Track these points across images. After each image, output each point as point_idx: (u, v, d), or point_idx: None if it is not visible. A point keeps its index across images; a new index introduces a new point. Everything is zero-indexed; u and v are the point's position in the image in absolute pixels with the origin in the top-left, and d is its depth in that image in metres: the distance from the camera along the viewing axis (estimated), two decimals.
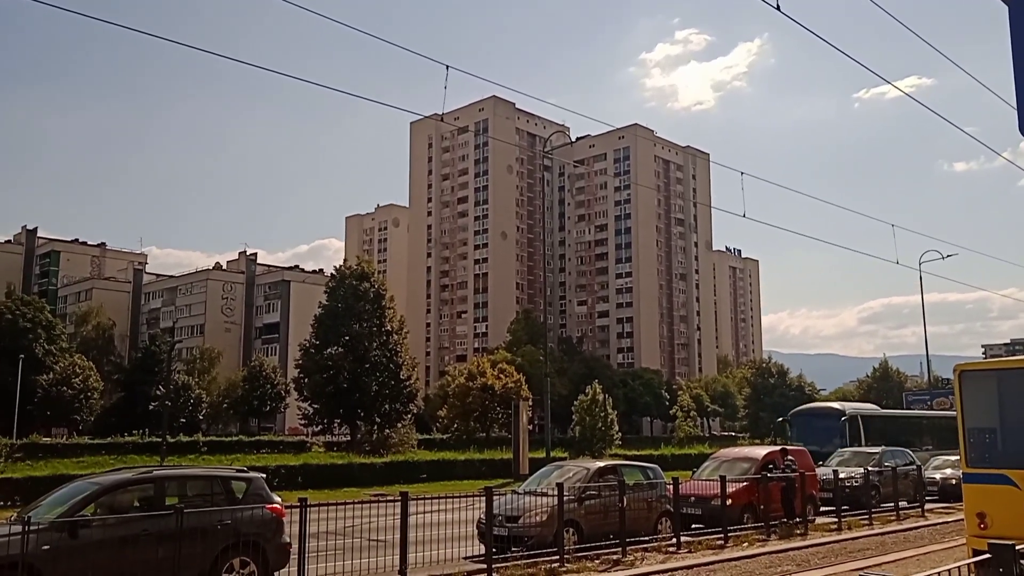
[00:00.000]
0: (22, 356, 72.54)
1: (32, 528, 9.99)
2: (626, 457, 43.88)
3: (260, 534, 12.09)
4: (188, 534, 11.15)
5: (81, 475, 27.27)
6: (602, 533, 15.22)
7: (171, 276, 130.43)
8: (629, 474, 17.77)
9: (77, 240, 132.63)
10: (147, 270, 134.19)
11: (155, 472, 12.45)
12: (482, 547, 13.99)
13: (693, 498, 18.57)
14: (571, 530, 15.12)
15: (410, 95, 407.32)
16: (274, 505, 12.62)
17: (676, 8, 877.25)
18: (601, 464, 18.04)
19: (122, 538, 10.95)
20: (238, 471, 13.39)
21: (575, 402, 60.27)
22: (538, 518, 14.95)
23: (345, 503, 13.42)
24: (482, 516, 14.64)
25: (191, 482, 12.87)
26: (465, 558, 14.18)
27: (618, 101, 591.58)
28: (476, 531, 14.81)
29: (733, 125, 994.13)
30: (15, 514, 11.86)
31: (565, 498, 15.07)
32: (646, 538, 16.50)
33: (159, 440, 47.54)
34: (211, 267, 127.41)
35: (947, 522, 21.23)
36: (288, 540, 12.43)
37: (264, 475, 13.37)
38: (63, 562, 10.20)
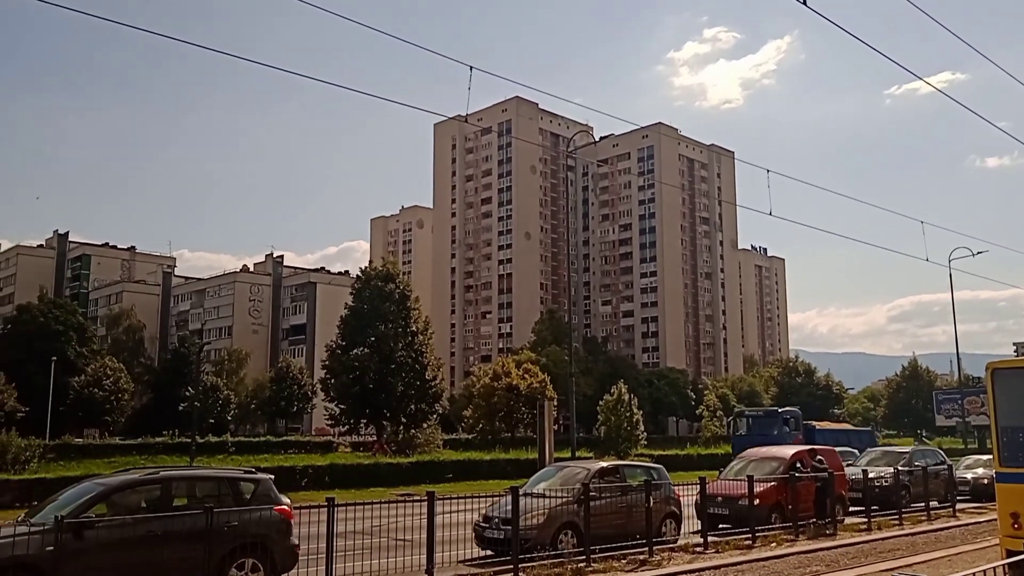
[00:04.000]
0: (54, 358, 73.69)
1: (35, 529, 9.94)
2: (651, 457, 43.80)
3: (267, 536, 11.95)
4: (195, 535, 11.00)
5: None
6: (603, 535, 14.70)
7: (199, 279, 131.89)
8: (632, 475, 17.47)
9: (108, 244, 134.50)
10: (178, 273, 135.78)
11: (162, 473, 12.39)
12: (479, 550, 14.62)
13: (720, 498, 18.46)
14: (570, 532, 14.81)
15: (434, 96, 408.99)
16: (282, 507, 12.40)
17: (704, 6, 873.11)
18: (602, 464, 17.59)
19: (128, 539, 10.83)
20: (246, 472, 13.20)
21: (600, 402, 60.19)
22: (535, 520, 14.51)
23: (372, 503, 13.50)
24: (479, 519, 14.91)
25: (199, 483, 12.64)
26: (488, 559, 14.24)
27: (646, 100, 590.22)
28: (473, 533, 14.78)
29: (762, 123, 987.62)
30: (22, 515, 11.93)
31: (564, 500, 14.95)
32: (643, 541, 15.43)
33: (188, 441, 48.16)
34: (239, 269, 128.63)
35: (979, 522, 20.93)
36: (296, 542, 12.29)
37: (272, 476, 13.11)
38: (68, 563, 10.06)
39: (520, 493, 15.04)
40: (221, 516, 11.44)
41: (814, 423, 42.60)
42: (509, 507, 14.24)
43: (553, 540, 14.44)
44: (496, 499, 16.09)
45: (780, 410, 39.30)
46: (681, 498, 17.81)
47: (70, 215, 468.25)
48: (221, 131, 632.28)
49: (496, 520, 14.49)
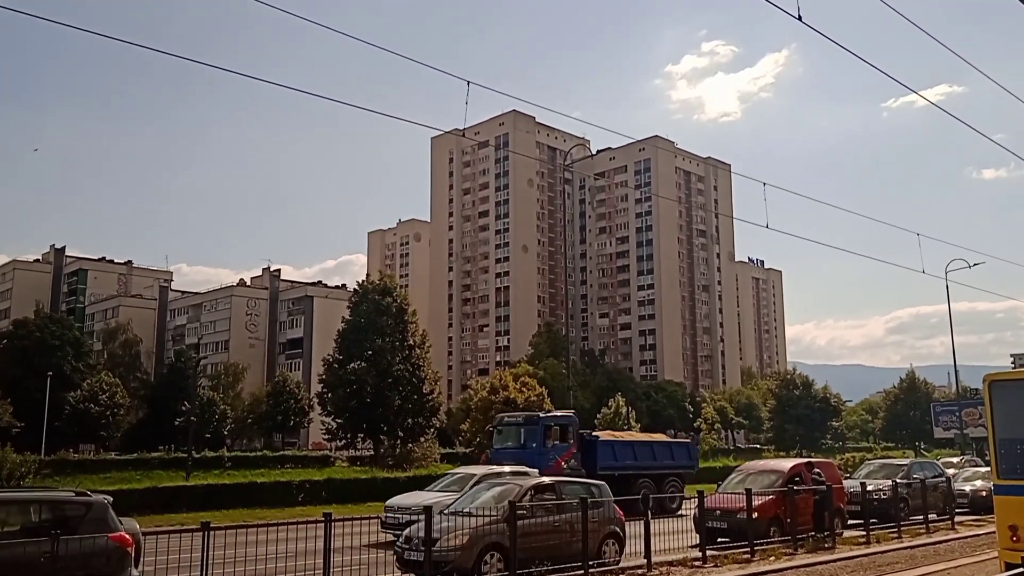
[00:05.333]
0: (50, 373, 73.47)
1: None
2: None
3: (98, 569, 10.44)
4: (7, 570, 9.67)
5: (109, 491, 27.57)
6: (534, 558, 13.75)
7: (196, 293, 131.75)
8: (571, 492, 16.31)
9: (104, 258, 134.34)
10: (175, 287, 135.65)
11: None
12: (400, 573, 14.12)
13: (719, 511, 18.41)
14: (496, 555, 13.79)
15: (431, 111, 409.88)
16: (118, 534, 10.87)
17: (702, 19, 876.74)
18: (536, 481, 16.56)
19: None
20: (77, 494, 11.55)
21: (598, 415, 60.19)
22: (457, 542, 13.49)
23: (369, 518, 13.48)
24: (400, 540, 14.28)
25: (8, 508, 10.92)
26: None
27: (643, 114, 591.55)
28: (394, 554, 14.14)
29: (760, 136, 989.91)
30: None
31: (490, 519, 14.01)
32: (578, 564, 14.52)
33: (185, 456, 47.97)
34: (236, 283, 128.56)
35: (978, 535, 20.88)
36: (136, 574, 11.00)
37: (110, 499, 11.44)
38: None
39: (447, 512, 14.61)
40: (31, 547, 9.87)
41: (599, 433, 32.94)
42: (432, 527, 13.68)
43: (477, 563, 13.53)
44: (421, 519, 15.40)
45: (542, 415, 29.78)
46: (624, 519, 16.47)
47: (67, 230, 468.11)
48: (219, 146, 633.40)
49: (416, 541, 13.60)
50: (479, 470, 19.67)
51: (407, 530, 14.39)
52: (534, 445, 27.44)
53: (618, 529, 16.12)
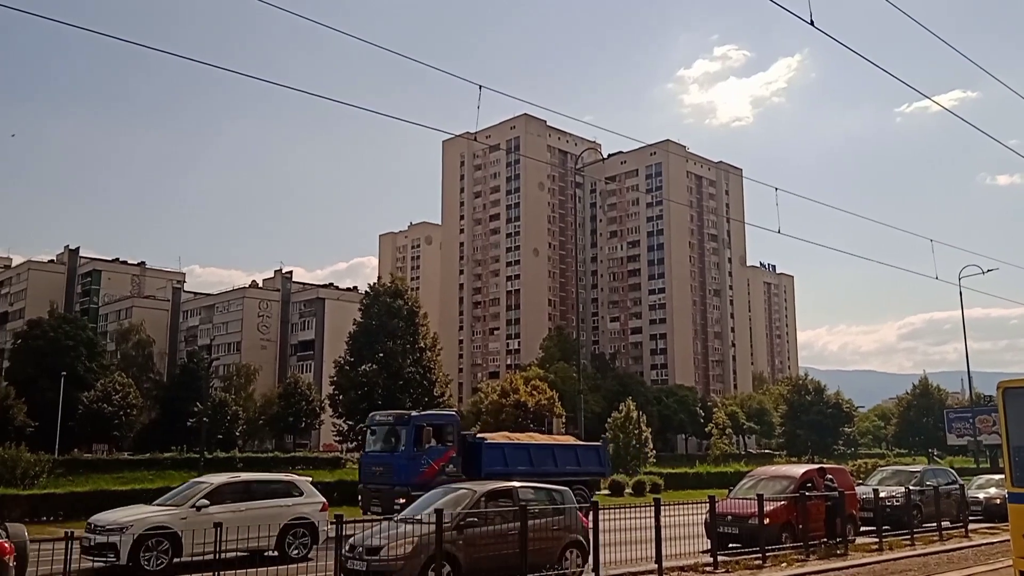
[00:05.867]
0: (64, 373, 74.00)
1: None
2: (660, 475, 43.51)
3: None
4: None
5: (122, 491, 27.77)
6: (486, 568, 13.26)
7: (208, 294, 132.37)
8: (531, 498, 15.34)
9: (118, 259, 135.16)
10: (188, 288, 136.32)
11: None
12: None
13: (730, 517, 18.35)
14: (445, 565, 13.12)
15: (443, 114, 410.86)
16: None
17: (715, 24, 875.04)
18: (491, 486, 15.49)
19: None
20: None
21: (609, 419, 60.10)
22: (401, 550, 12.78)
23: (374, 520, 13.49)
24: (346, 547, 13.42)
25: None
26: None
27: (655, 118, 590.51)
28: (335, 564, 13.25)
29: (772, 141, 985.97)
30: None
31: (445, 524, 12.96)
32: (551, 573, 14.13)
33: (197, 456, 48.21)
34: (248, 285, 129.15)
35: (992, 543, 20.71)
36: None
37: None
38: None
39: (397, 518, 14.02)
40: None
41: (487, 435, 29.77)
42: (377, 535, 13.24)
43: (422, 574, 12.88)
44: (371, 526, 14.28)
45: (414, 414, 26.46)
46: (589, 526, 15.16)
47: (81, 231, 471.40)
48: (231, 148, 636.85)
49: (360, 550, 13.02)
50: (217, 479, 18.10)
51: (352, 537, 13.54)
52: (403, 448, 24.45)
53: (581, 538, 15.11)
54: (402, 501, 21.63)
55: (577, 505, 15.89)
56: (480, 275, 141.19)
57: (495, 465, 25.47)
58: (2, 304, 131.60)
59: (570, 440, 31.26)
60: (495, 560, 13.34)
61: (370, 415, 28.36)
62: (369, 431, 26.61)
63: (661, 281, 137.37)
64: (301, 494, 18.23)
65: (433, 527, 12.79)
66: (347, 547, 13.31)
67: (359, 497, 25.19)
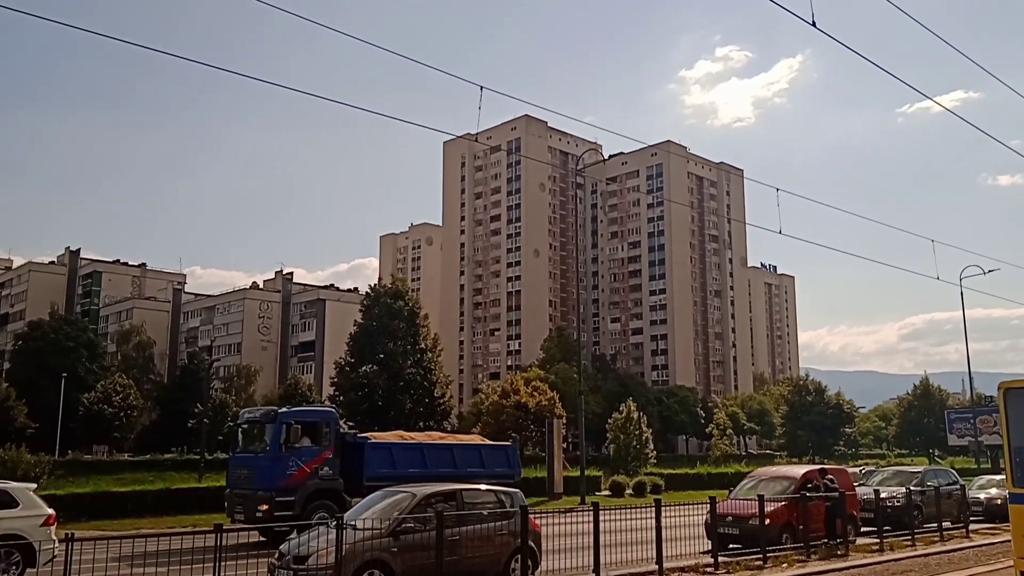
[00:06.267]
0: (65, 375, 74.02)
1: None
2: (661, 476, 43.48)
3: None
4: None
5: (122, 492, 27.79)
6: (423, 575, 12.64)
7: (209, 295, 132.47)
8: (478, 500, 14.76)
9: (119, 261, 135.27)
10: (189, 290, 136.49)
11: None
12: None
13: (730, 517, 18.34)
14: (376, 573, 12.47)
15: (444, 115, 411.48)
16: None
17: (717, 25, 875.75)
18: (433, 489, 14.59)
19: None
20: None
21: (609, 420, 60.06)
22: (330, 559, 12.01)
23: (381, 520, 13.46)
24: (274, 556, 12.91)
25: None
26: None
27: (657, 119, 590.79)
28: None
29: (774, 142, 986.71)
30: None
31: (371, 532, 12.56)
32: None
33: (197, 457, 48.25)
34: (248, 286, 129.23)
35: (993, 543, 20.70)
36: None
37: None
38: None
39: (334, 524, 12.83)
40: None
41: (374, 435, 27.01)
42: (306, 543, 12.52)
43: None
44: (303, 534, 13.39)
45: (282, 410, 23.47)
46: (540, 531, 14.97)
47: (82, 232, 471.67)
48: (232, 149, 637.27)
49: (288, 558, 12.41)
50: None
51: (281, 546, 13.12)
52: (266, 449, 21.80)
53: (531, 543, 14.35)
54: (264, 508, 20.44)
55: (528, 508, 14.84)
56: (481, 276, 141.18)
57: (381, 468, 23.09)
58: (3, 305, 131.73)
59: (476, 439, 28.79)
60: (434, 568, 12.70)
61: (241, 411, 26.09)
62: (239, 430, 23.74)
63: (662, 282, 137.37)
64: (16, 505, 15.31)
65: (366, 533, 12.30)
66: (276, 556, 12.82)
67: (225, 503, 22.85)
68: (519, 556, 13.98)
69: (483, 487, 16.56)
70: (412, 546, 12.67)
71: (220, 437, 74.77)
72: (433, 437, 27.89)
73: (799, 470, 21.95)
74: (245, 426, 23.51)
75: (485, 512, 14.20)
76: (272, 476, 21.33)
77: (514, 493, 15.32)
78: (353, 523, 12.82)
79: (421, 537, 12.86)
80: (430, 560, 12.46)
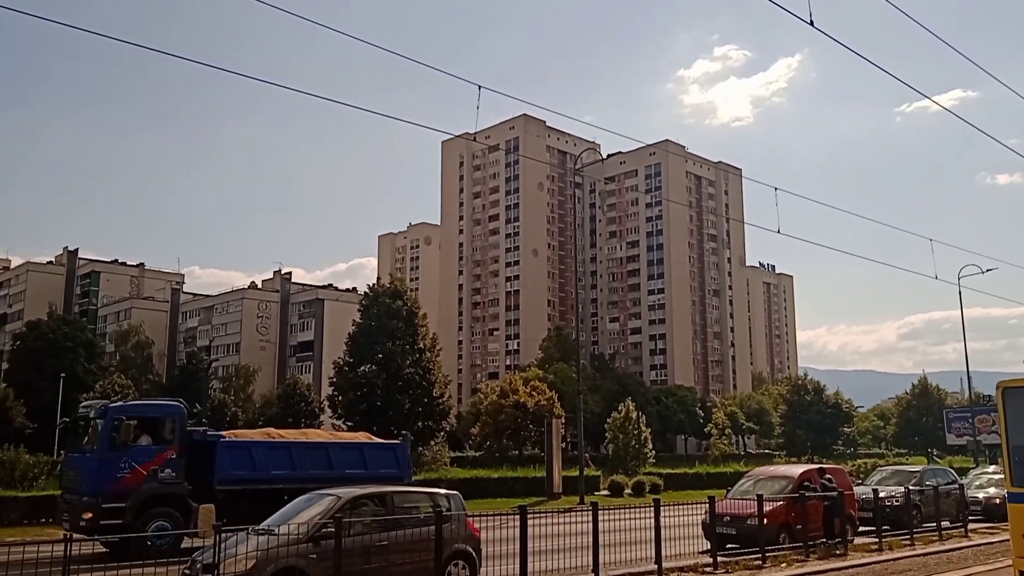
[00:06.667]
0: (63, 375, 73.93)
1: None
2: (660, 476, 43.48)
3: None
4: None
5: None
6: None
7: (207, 295, 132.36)
8: (411, 503, 14.09)
9: (117, 261, 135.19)
10: (188, 289, 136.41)
11: None
12: None
13: (728, 517, 18.32)
14: None
15: (442, 114, 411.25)
16: None
17: (715, 24, 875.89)
18: (360, 491, 13.90)
19: None
20: None
21: (608, 420, 60.15)
22: (241, 566, 11.39)
23: (380, 519, 13.45)
24: (186, 565, 12.17)
25: None
26: None
27: (655, 118, 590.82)
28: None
29: (773, 141, 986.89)
30: None
31: (291, 537, 11.85)
32: None
33: None
34: (247, 286, 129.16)
35: (991, 543, 20.72)
36: None
37: None
38: None
39: (258, 529, 12.55)
40: None
41: (233, 432, 25.06)
42: (225, 550, 11.60)
43: None
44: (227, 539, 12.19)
45: (112, 404, 20.41)
46: (480, 534, 14.30)
47: (80, 232, 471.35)
48: (230, 149, 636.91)
49: (199, 566, 11.73)
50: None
51: (195, 553, 12.48)
52: (95, 447, 19.26)
53: (469, 548, 13.71)
54: (88, 516, 18.04)
55: (466, 511, 14.17)
56: (479, 275, 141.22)
57: (236, 470, 20.43)
58: (1, 305, 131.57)
59: (360, 438, 26.05)
60: (364, 574, 12.07)
61: (81, 406, 22.70)
62: (78, 425, 21.01)
63: (660, 281, 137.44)
64: None
65: (282, 539, 11.62)
66: (188, 564, 12.16)
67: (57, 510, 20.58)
68: (457, 561, 13.41)
69: (418, 490, 16.13)
70: (332, 552, 11.80)
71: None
72: (309, 435, 24.81)
73: (796, 470, 21.97)
74: (80, 422, 20.73)
75: (421, 516, 13.45)
76: (98, 479, 18.70)
77: (452, 496, 14.65)
78: (271, 528, 12.17)
79: (345, 542, 12.04)
80: (355, 567, 11.96)
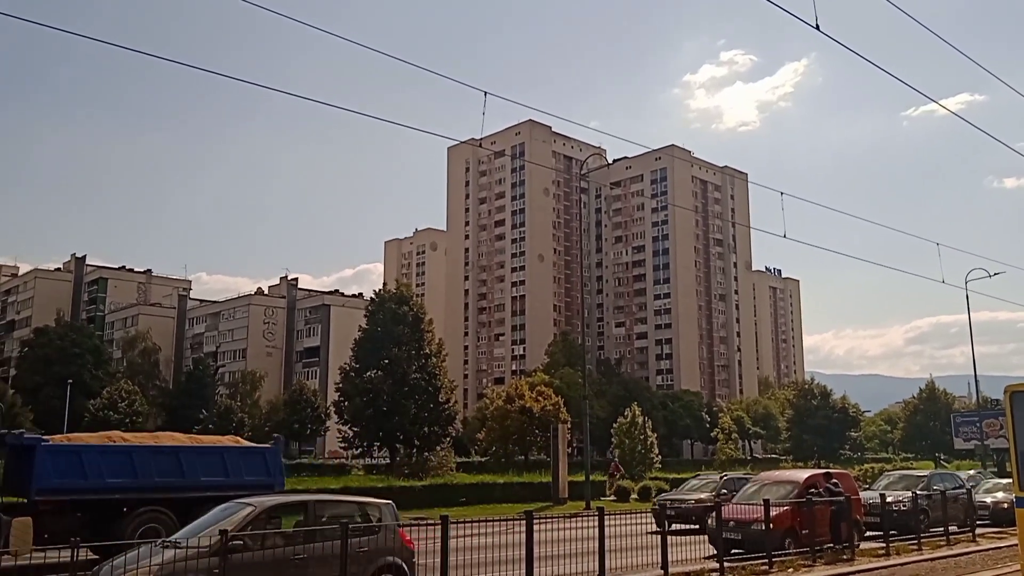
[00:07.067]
0: (70, 381, 74.24)
1: None
2: (666, 481, 43.35)
3: None
4: None
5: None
6: None
7: (214, 301, 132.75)
8: (335, 513, 13.12)
9: (124, 267, 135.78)
10: (195, 296, 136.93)
11: None
12: None
13: (732, 522, 18.23)
14: None
15: (448, 120, 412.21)
16: None
17: (721, 29, 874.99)
18: (277, 501, 13.23)
19: None
20: None
21: (614, 425, 60.09)
22: None
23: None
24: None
25: None
26: None
27: (661, 123, 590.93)
28: None
29: (779, 146, 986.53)
30: None
31: (198, 551, 10.98)
32: None
33: None
34: (254, 292, 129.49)
35: (999, 547, 20.64)
36: None
37: None
38: None
39: (161, 543, 11.86)
40: None
41: (57, 436, 21.77)
42: (121, 565, 11.06)
43: None
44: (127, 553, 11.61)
45: None
46: (414, 547, 13.38)
47: (87, 239, 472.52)
48: (237, 155, 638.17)
49: None
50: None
51: (95, 567, 11.73)
52: None
53: (400, 561, 12.77)
54: None
55: (398, 522, 13.29)
56: (485, 281, 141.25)
57: (61, 477, 17.88)
58: (9, 312, 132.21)
59: (225, 442, 23.21)
60: None
61: None
62: None
63: (666, 286, 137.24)
64: None
65: (189, 552, 10.88)
66: (93, 571, 11.49)
67: None
68: (385, 575, 12.62)
69: (345, 499, 15.08)
70: (243, 566, 11.05)
71: None
72: (161, 439, 21.75)
73: (802, 474, 21.94)
74: None
75: (349, 526, 12.40)
76: None
77: (384, 505, 13.70)
78: (177, 541, 11.48)
79: (255, 556, 11.23)
80: None
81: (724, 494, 25.02)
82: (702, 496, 26.11)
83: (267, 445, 22.71)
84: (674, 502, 25.79)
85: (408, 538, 13.24)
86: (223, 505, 13.02)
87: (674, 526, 21.58)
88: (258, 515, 12.05)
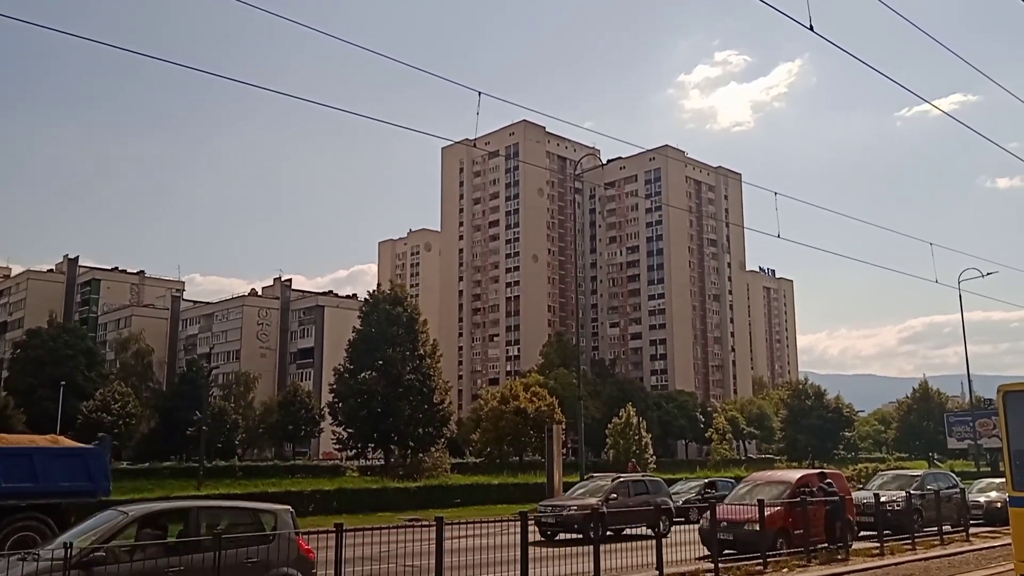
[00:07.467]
0: (63, 383, 73.94)
1: None
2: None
3: None
4: None
5: (122, 501, 27.66)
6: None
7: (207, 303, 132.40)
8: (222, 521, 11.86)
9: (117, 268, 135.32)
10: (189, 297, 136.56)
11: None
12: None
13: (725, 523, 18.22)
14: None
15: (442, 121, 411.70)
16: None
17: (715, 30, 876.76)
18: (152, 508, 12.07)
19: None
20: None
21: (609, 425, 60.22)
22: None
23: (380, 528, 13.42)
24: None
25: None
26: None
27: (656, 123, 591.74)
28: None
29: (773, 146, 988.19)
30: None
31: (52, 563, 9.79)
32: None
33: (196, 465, 48.17)
34: (247, 293, 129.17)
35: (993, 547, 20.69)
36: None
37: None
38: None
39: (22, 555, 10.66)
40: None
41: None
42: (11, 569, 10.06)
43: None
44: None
45: None
46: (313, 556, 11.98)
47: (80, 240, 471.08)
48: (230, 156, 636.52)
49: None
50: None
51: None
52: None
53: (296, 572, 11.66)
54: None
55: (295, 529, 12.19)
56: (480, 281, 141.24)
57: None
58: (1, 314, 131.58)
59: (40, 441, 20.34)
60: None
61: None
62: None
63: (661, 286, 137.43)
64: None
65: (43, 565, 9.85)
66: None
67: None
68: None
69: (235, 504, 14.23)
70: None
71: (219, 445, 75.00)
72: None
73: (794, 475, 21.97)
74: None
75: (238, 535, 11.40)
76: None
77: (280, 511, 12.39)
78: (38, 553, 10.38)
79: (121, 569, 10.20)
80: None
81: (614, 499, 23.28)
82: (589, 502, 22.81)
83: (89, 446, 20.60)
84: (555, 508, 23.57)
85: (307, 547, 12.03)
86: (107, 511, 11.91)
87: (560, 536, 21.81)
88: (127, 524, 10.94)
